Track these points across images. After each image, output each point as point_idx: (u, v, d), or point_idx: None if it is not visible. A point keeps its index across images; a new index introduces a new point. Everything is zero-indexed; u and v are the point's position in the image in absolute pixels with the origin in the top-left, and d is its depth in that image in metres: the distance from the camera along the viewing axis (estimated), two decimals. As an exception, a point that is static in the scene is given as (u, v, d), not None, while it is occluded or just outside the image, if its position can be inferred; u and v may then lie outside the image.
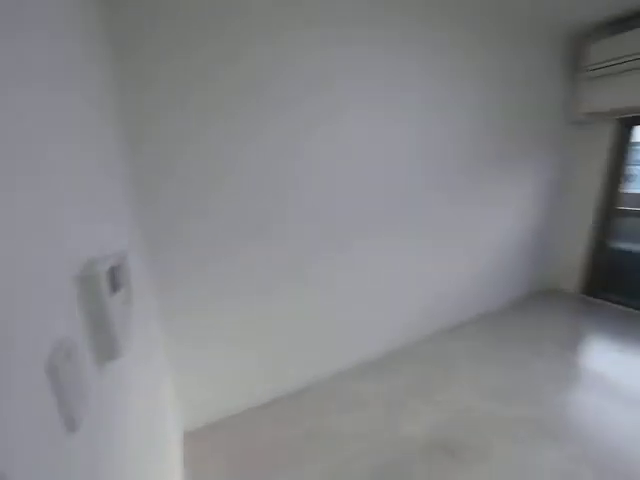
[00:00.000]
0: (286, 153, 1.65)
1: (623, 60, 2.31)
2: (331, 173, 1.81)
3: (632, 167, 2.90)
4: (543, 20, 2.29)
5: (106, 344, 0.53)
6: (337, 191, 1.86)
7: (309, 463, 1.51)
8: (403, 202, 2.15)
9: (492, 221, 2.70)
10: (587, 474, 1.42)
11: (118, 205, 0.95)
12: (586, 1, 2.06)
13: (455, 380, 2.08)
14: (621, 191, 2.85)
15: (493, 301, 2.99)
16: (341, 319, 2.10)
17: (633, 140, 2.75)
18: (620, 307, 2.93)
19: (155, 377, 1.14)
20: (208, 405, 1.76)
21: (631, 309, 2.86)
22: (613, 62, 2.37)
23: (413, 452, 1.57)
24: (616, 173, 2.82)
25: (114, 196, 0.91)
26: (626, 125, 2.71)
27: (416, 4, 1.83)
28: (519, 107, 2.52)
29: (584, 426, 1.70)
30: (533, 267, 3.22)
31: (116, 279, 0.59)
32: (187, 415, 1.72)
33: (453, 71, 2.10)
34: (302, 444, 1.62)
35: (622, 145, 2.76)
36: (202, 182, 1.48)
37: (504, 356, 2.30)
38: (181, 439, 1.67)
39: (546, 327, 2.67)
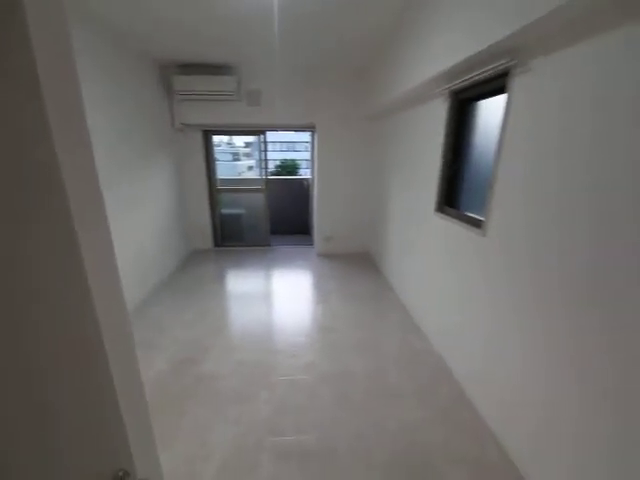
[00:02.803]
0: None
1: (192, 93, 3.62)
2: None
3: (215, 162, 4.64)
4: (148, 57, 3.14)
5: None
6: None
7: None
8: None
9: (148, 207, 3.30)
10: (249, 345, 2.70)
11: None
12: (165, 50, 3.08)
13: (167, 329, 2.64)
14: (216, 177, 4.53)
15: (168, 267, 3.73)
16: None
17: (213, 143, 4.41)
18: (237, 248, 4.79)
19: None
20: None
21: (243, 247, 4.80)
22: (187, 92, 3.63)
23: (168, 374, 2.05)
24: (209, 166, 4.40)
25: None
26: (207, 134, 4.28)
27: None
28: (145, 119, 3.19)
29: (239, 319, 3.01)
30: (184, 235, 4.30)
31: None
32: None
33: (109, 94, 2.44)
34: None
35: (208, 148, 4.34)
36: None
37: (189, 301, 3.16)
38: None
39: (206, 273, 3.86)
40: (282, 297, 3.31)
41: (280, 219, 5.49)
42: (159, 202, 3.60)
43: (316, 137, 4.19)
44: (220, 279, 3.75)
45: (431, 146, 2.45)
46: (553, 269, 1.30)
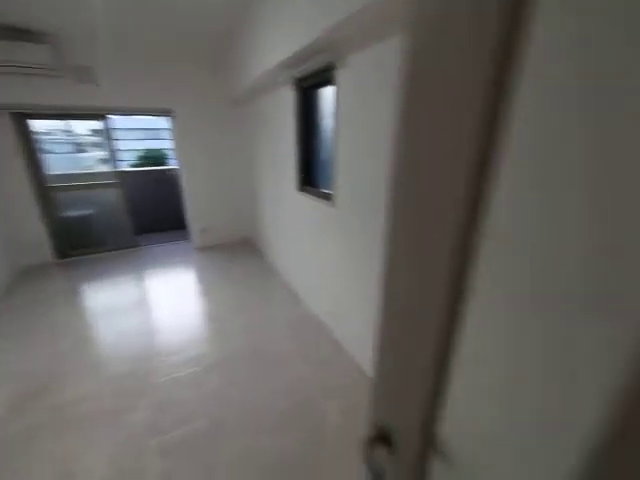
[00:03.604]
0: None
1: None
2: None
3: (41, 154, 3.70)
4: None
5: None
6: None
7: None
8: None
9: None
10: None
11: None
12: None
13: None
14: (44, 173, 3.63)
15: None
16: None
17: (33, 130, 3.49)
18: (93, 255, 4.03)
19: None
20: None
21: (101, 253, 4.08)
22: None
23: (8, 414, 1.64)
24: (32, 160, 3.50)
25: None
26: (20, 118, 3.34)
27: None
28: None
29: (106, 334, 2.63)
30: (6, 251, 3.34)
31: None
32: None
33: None
34: None
35: (26, 135, 3.42)
36: None
37: (28, 326, 2.55)
38: None
39: (49, 292, 3.14)
40: (160, 299, 3.03)
41: (148, 216, 4.91)
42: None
43: (176, 123, 3.86)
44: (70, 295, 3.11)
45: (287, 130, 2.63)
46: (373, 231, 1.66)
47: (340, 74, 1.79)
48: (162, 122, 4.18)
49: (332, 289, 2.31)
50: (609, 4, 0.23)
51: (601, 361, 0.26)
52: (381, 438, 0.59)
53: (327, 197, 2.17)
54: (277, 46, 2.11)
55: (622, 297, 0.24)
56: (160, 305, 2.91)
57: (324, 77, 2.00)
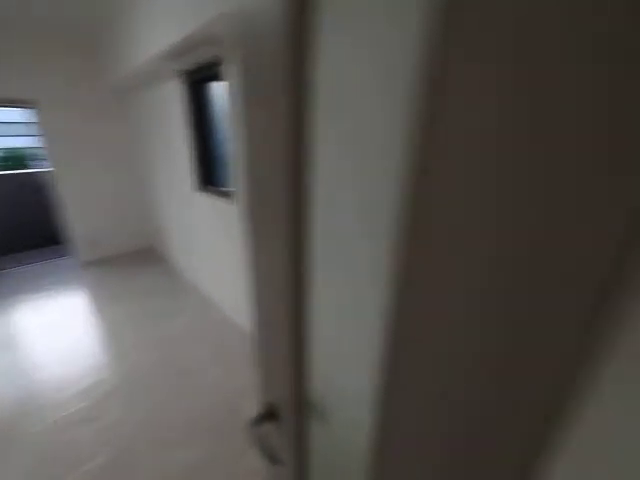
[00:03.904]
0: None
1: None
2: None
3: None
4: None
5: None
6: None
7: None
8: None
9: None
10: None
11: None
12: None
13: None
14: None
15: None
16: None
17: None
18: None
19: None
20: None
21: None
22: None
23: None
24: None
25: None
26: None
27: None
28: None
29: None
30: None
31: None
32: None
33: None
34: None
35: None
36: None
37: None
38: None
39: None
40: (36, 331, 2.51)
41: (13, 231, 4.00)
42: None
43: (45, 116, 3.19)
44: None
45: (181, 127, 2.46)
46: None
47: (229, 69, 1.76)
48: (26, 115, 3.41)
49: (239, 285, 2.28)
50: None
51: (374, 275, 0.34)
52: (268, 415, 0.63)
53: (228, 195, 2.12)
54: (155, 37, 1.94)
55: (380, 226, 0.32)
56: (37, 338, 2.41)
57: (212, 71, 1.93)
